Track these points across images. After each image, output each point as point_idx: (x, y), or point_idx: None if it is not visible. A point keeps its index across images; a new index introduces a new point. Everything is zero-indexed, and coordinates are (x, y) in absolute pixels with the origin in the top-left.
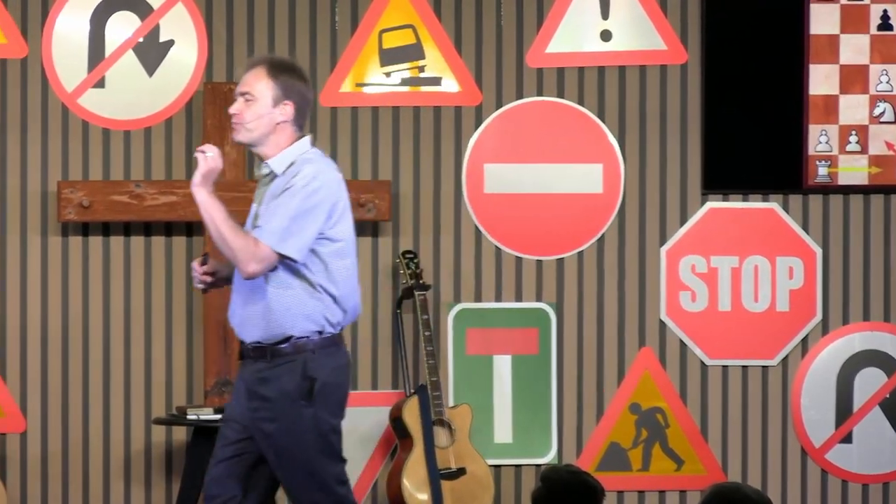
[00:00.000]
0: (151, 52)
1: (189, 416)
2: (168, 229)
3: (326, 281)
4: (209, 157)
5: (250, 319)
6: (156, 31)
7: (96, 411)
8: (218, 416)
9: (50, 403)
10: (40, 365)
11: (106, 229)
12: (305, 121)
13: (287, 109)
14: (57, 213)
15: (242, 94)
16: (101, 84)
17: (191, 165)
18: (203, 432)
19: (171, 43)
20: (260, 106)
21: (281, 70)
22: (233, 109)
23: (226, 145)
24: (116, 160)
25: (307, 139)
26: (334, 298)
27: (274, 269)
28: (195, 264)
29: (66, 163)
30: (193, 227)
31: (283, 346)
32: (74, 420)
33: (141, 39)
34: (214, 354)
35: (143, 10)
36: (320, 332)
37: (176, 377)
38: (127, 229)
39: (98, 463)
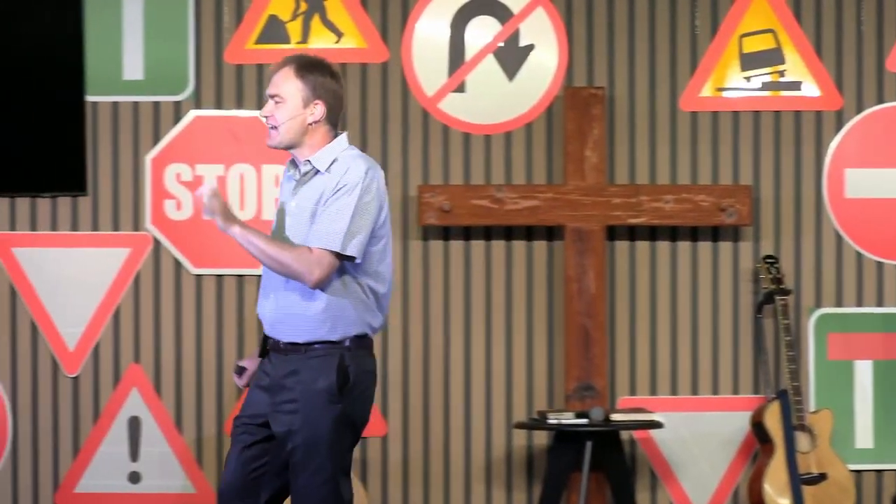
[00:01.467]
0: (511, 56)
1: (550, 421)
2: (529, 233)
3: (373, 280)
4: (209, 195)
5: (288, 320)
6: (516, 35)
7: (457, 415)
8: (581, 421)
9: (411, 407)
10: (401, 369)
11: (467, 233)
12: (338, 118)
13: (318, 109)
14: (418, 217)
15: (272, 96)
16: (461, 89)
17: (552, 170)
18: (564, 437)
19: (530, 47)
20: (290, 108)
21: (309, 69)
22: (263, 112)
23: (586, 149)
24: (477, 164)
25: (344, 136)
26: (377, 298)
27: None
28: (235, 379)
29: (427, 167)
30: (554, 232)
31: (319, 345)
32: (435, 424)
33: (501, 44)
34: (575, 358)
35: (503, 15)
36: (359, 336)
37: (537, 381)
38: (488, 233)
39: (459, 467)
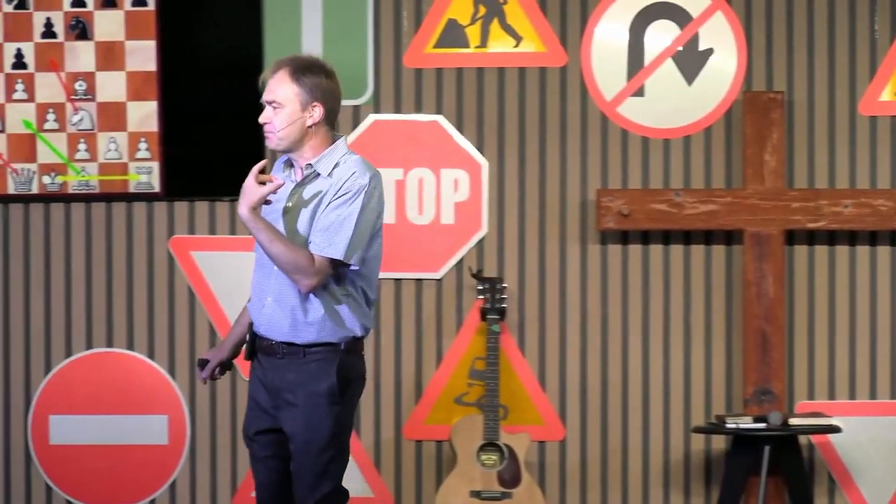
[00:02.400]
0: (691, 60)
1: (728, 425)
2: (707, 238)
3: (366, 284)
4: (256, 172)
5: (288, 321)
6: (695, 39)
7: (635, 419)
8: (759, 425)
9: (589, 411)
10: (579, 372)
11: (645, 238)
12: (337, 118)
13: (316, 111)
14: (596, 221)
15: (269, 102)
16: (640, 93)
17: (730, 174)
18: (742, 441)
19: (710, 52)
20: (288, 112)
21: (304, 71)
22: (262, 119)
23: (765, 154)
24: (655, 169)
25: (343, 140)
26: (368, 302)
27: None
28: (198, 372)
29: (606, 171)
30: (732, 236)
31: (319, 347)
32: (613, 427)
33: (680, 48)
34: (754, 362)
35: (683, 19)
36: (356, 339)
37: (715, 385)
38: (666, 238)
39: (637, 470)
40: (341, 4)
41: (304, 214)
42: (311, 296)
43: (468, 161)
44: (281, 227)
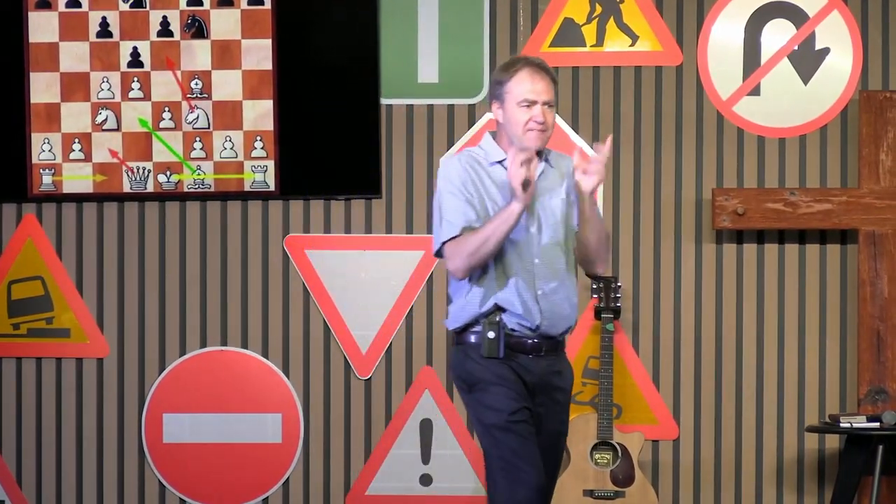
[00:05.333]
0: (807, 59)
1: (842, 425)
2: (822, 237)
3: None
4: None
5: (565, 310)
6: (811, 38)
7: (749, 418)
8: (873, 424)
9: (703, 410)
10: (693, 371)
11: (760, 237)
12: None
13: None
14: (711, 220)
15: (545, 102)
16: (756, 91)
17: (846, 174)
18: (856, 441)
19: (826, 51)
20: (555, 113)
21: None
22: (540, 119)
23: (881, 153)
24: (771, 168)
25: None
26: None
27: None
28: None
29: (721, 170)
30: (847, 235)
31: (564, 336)
32: (727, 426)
33: (796, 47)
34: (868, 362)
35: (799, 18)
36: None
37: (829, 384)
38: (781, 237)
39: (751, 469)
40: (458, 3)
41: (563, 201)
42: (572, 279)
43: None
44: (560, 216)
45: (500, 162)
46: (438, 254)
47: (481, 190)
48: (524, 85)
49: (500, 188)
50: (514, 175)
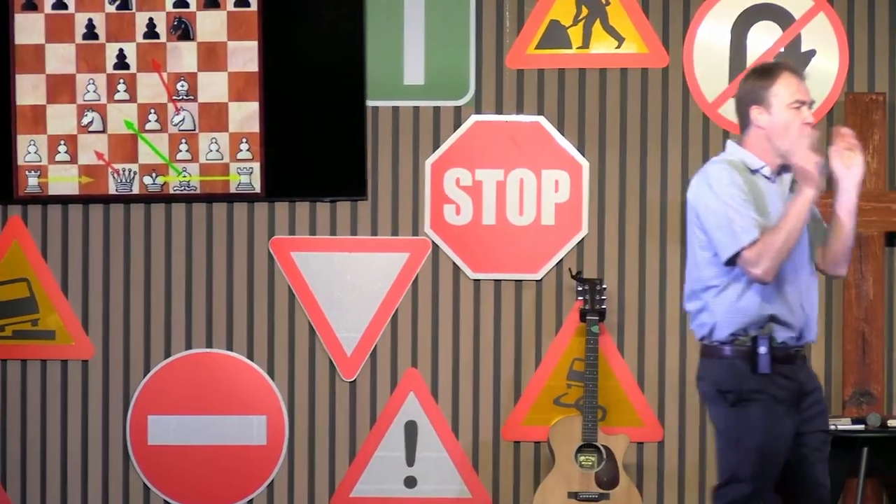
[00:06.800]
0: (793, 61)
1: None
2: None
3: None
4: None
5: (814, 317)
6: (797, 40)
7: None
8: (857, 427)
9: (687, 412)
10: (678, 373)
11: None
12: None
13: None
14: None
15: (810, 103)
16: None
17: (831, 176)
18: (840, 442)
19: (812, 53)
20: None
21: None
22: (810, 121)
23: (867, 156)
24: None
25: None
26: None
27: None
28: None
29: None
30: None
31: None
32: (711, 429)
33: (782, 49)
34: (853, 364)
35: (785, 20)
36: None
37: None
38: None
39: None
40: (444, 5)
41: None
42: (816, 286)
43: (569, 162)
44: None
45: (758, 170)
46: (730, 261)
47: (751, 196)
48: (791, 87)
49: (766, 197)
50: (807, 158)
